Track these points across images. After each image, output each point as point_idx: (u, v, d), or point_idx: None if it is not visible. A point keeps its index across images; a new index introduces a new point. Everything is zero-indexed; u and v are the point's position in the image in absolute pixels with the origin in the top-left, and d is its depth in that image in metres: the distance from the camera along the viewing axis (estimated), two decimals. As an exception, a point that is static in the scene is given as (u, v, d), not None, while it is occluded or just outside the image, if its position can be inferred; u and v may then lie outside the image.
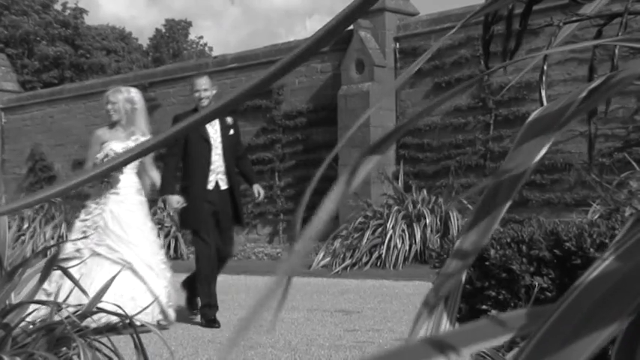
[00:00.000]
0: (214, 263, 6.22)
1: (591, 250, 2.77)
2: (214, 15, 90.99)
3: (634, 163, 9.44)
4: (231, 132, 6.45)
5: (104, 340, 2.61)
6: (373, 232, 10.39)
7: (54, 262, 2.60)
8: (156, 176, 6.50)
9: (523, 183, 0.56)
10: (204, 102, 6.39)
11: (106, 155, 6.19)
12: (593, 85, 0.56)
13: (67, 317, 2.55)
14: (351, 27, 13.05)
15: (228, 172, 6.37)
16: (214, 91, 6.62)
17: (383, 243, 10.14)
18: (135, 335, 2.54)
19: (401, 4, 13.00)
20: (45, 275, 2.64)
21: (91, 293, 5.36)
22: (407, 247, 10.07)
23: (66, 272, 2.63)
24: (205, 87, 6.51)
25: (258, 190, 6.67)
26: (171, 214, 6.19)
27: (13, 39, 36.52)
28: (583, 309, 0.46)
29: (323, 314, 6.55)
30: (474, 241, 0.55)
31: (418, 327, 0.53)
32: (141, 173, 6.41)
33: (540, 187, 10.78)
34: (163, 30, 46.04)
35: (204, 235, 6.17)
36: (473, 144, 11.75)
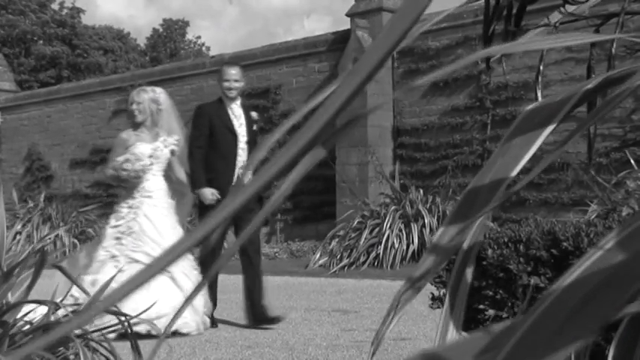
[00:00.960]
0: (222, 257, 6.06)
1: (588, 249, 2.76)
2: (212, 15, 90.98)
3: (633, 162, 9.46)
4: (254, 127, 6.19)
5: (102, 339, 2.61)
6: (371, 232, 10.39)
7: (44, 263, 2.59)
8: (183, 176, 6.20)
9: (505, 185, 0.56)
10: (233, 93, 6.11)
11: (127, 159, 5.92)
12: (590, 85, 0.56)
13: (65, 316, 2.55)
14: (349, 27, 13.06)
15: (255, 169, 6.16)
16: (243, 84, 6.34)
17: (380, 243, 10.14)
18: (131, 332, 2.54)
19: (398, 4, 13.00)
20: (36, 276, 2.63)
21: (133, 304, 5.25)
22: (404, 247, 10.08)
23: (63, 271, 2.63)
24: (236, 77, 6.19)
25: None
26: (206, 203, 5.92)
27: (10, 38, 36.49)
28: (554, 322, 0.46)
29: (320, 314, 6.56)
30: (452, 236, 0.55)
31: (387, 320, 0.53)
32: (168, 175, 6.10)
33: (537, 186, 10.80)
34: (161, 30, 46.02)
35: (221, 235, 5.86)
36: (470, 144, 11.76)
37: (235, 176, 5.95)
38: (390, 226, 10.22)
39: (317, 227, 12.65)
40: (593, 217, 8.07)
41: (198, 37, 65.94)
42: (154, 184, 5.93)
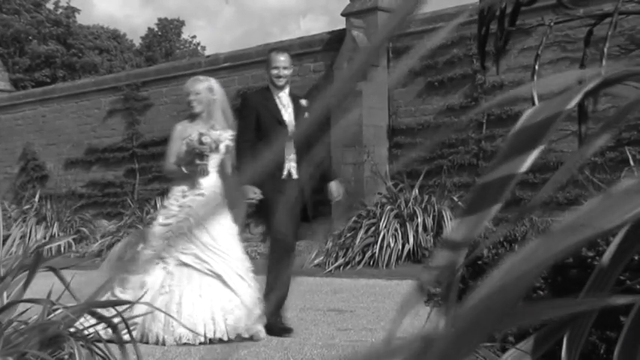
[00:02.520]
0: (291, 259, 5.60)
1: (584, 249, 2.78)
2: (209, 14, 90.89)
3: (630, 159, 9.48)
4: (305, 115, 5.71)
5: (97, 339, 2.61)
6: (366, 232, 10.40)
7: (38, 264, 2.58)
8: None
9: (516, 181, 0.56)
10: (282, 81, 5.76)
11: (201, 134, 5.52)
12: (588, 88, 0.57)
13: (64, 317, 2.54)
14: (344, 26, 13.06)
15: (300, 161, 5.68)
16: (292, 71, 5.98)
17: (376, 242, 10.14)
18: (127, 330, 2.54)
19: (394, 4, 13.01)
20: (30, 278, 2.62)
21: (183, 308, 5.13)
22: (400, 246, 10.08)
23: (57, 273, 2.62)
24: (285, 64, 5.81)
25: (337, 190, 5.93)
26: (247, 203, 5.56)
27: (5, 38, 36.41)
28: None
29: (316, 313, 6.56)
30: (464, 233, 0.55)
31: (400, 319, 0.53)
32: (222, 173, 5.75)
33: (533, 186, 10.81)
34: (156, 29, 45.96)
35: (280, 227, 5.45)
36: (466, 143, 11.77)
37: (285, 169, 5.60)
38: (385, 226, 10.23)
39: (312, 226, 12.64)
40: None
41: (194, 37, 65.90)
42: (207, 182, 5.61)
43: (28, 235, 13.90)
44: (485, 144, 11.54)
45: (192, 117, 5.78)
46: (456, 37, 11.88)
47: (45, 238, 13.89)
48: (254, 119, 5.62)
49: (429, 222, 10.29)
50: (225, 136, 5.66)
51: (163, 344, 5.09)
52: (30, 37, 36.85)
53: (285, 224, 5.46)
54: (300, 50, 13.64)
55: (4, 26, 36.13)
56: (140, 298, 5.13)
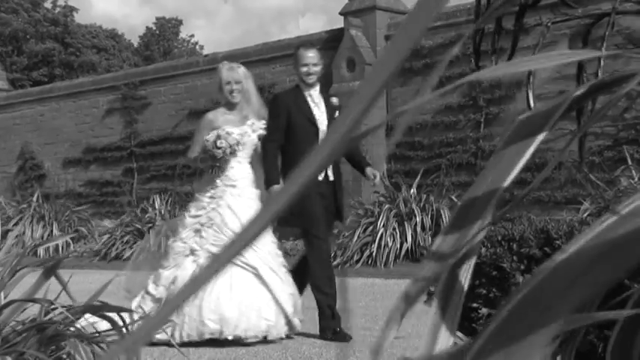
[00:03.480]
0: (331, 262, 5.45)
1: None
2: (207, 14, 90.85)
3: (628, 158, 9.49)
4: (337, 114, 5.37)
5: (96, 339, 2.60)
6: (364, 231, 10.40)
7: (57, 266, 2.57)
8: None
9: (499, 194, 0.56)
10: (312, 78, 5.53)
11: (218, 136, 5.30)
12: (579, 92, 0.57)
13: (64, 318, 2.54)
14: (342, 25, 13.05)
15: (335, 161, 5.32)
16: (322, 67, 5.76)
17: (374, 241, 10.14)
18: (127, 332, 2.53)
19: (392, 3, 13.01)
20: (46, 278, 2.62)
21: (214, 301, 4.95)
22: (398, 246, 10.08)
23: (56, 276, 2.62)
24: (315, 61, 5.58)
25: (372, 172, 5.73)
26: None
27: (2, 37, 36.38)
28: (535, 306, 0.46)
29: (314, 312, 6.55)
30: (451, 244, 0.54)
31: (387, 331, 0.52)
32: (254, 163, 5.50)
33: (530, 185, 10.82)
34: (154, 28, 45.93)
35: (317, 231, 5.24)
36: (464, 142, 11.77)
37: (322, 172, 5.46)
38: (383, 225, 10.23)
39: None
40: (586, 215, 8.10)
41: (192, 36, 65.86)
42: (239, 172, 5.38)
43: (26, 233, 13.89)
44: (483, 143, 11.54)
45: (229, 106, 5.49)
46: (454, 36, 11.88)
47: (43, 237, 13.89)
48: (285, 120, 5.38)
49: (428, 221, 10.29)
50: (258, 126, 5.45)
51: (195, 340, 4.97)
52: (28, 36, 36.82)
53: (323, 227, 5.28)
54: (299, 49, 13.61)
55: (1, 25, 36.10)
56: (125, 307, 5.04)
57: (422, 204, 10.56)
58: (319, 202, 5.20)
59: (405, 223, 10.26)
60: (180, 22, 47.02)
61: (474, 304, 2.94)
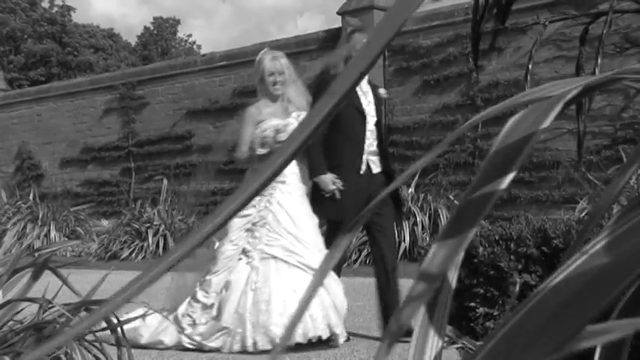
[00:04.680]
0: (344, 261, 5.03)
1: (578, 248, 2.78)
2: (205, 14, 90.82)
3: (624, 158, 9.49)
4: (382, 107, 5.31)
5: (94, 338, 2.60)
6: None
7: (45, 265, 2.57)
8: None
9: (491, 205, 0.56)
10: None
11: (277, 130, 4.99)
12: (574, 93, 0.56)
13: (60, 316, 2.54)
14: (340, 25, 13.05)
15: (382, 153, 5.21)
16: None
17: (372, 241, 10.14)
18: (122, 334, 2.53)
19: (389, 2, 13.02)
20: (36, 276, 2.62)
21: (273, 306, 4.63)
22: (396, 245, 10.08)
23: (55, 272, 2.62)
24: None
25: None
26: (326, 196, 4.95)
27: (0, 36, 36.34)
28: (534, 324, 0.46)
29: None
30: (440, 263, 0.54)
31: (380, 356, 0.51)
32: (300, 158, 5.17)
33: (528, 184, 10.83)
34: (152, 28, 45.90)
35: (342, 225, 4.94)
36: (462, 142, 11.78)
37: (363, 163, 5.06)
38: (381, 224, 10.22)
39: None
40: (583, 214, 8.11)
41: (189, 36, 65.81)
42: (289, 168, 4.91)
43: (24, 233, 13.88)
44: (481, 142, 11.55)
45: (271, 98, 5.15)
46: (451, 36, 11.89)
47: (39, 237, 13.87)
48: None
49: (426, 220, 10.30)
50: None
51: (255, 347, 4.61)
52: (25, 36, 36.79)
53: (349, 221, 4.98)
54: (296, 49, 13.63)
55: (-1, 25, 36.07)
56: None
57: (420, 203, 10.57)
58: (356, 196, 4.92)
59: (403, 222, 10.27)
60: (177, 22, 47.00)
61: (472, 304, 2.95)
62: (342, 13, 12.98)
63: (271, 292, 4.69)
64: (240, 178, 14.45)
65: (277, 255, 4.82)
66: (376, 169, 5.15)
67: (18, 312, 2.67)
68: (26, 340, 2.44)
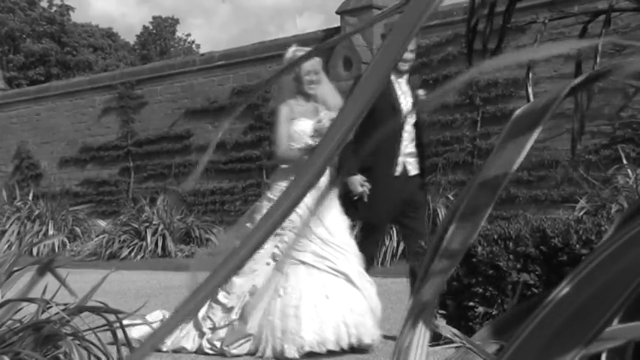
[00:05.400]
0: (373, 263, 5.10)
1: (577, 246, 2.78)
2: (205, 13, 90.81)
3: (623, 157, 9.51)
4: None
5: (93, 338, 2.60)
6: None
7: (51, 263, 2.57)
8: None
9: (507, 181, 0.56)
10: (406, 66, 5.10)
11: (316, 127, 4.76)
12: (576, 82, 0.56)
13: (56, 314, 2.53)
14: (339, 24, 13.05)
15: (420, 155, 5.06)
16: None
17: (371, 240, 10.14)
18: (123, 333, 2.53)
19: (388, 2, 13.02)
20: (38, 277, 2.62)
21: (302, 312, 4.43)
22: (395, 245, 10.09)
23: (53, 273, 2.62)
24: (412, 47, 5.16)
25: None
26: (355, 198, 4.82)
27: (-1, 36, 36.33)
28: (544, 336, 0.46)
29: (311, 311, 6.52)
30: (461, 241, 0.54)
31: (405, 336, 0.52)
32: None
33: (527, 183, 10.83)
34: (150, 27, 45.89)
35: (379, 234, 4.98)
36: (460, 141, 11.78)
37: (399, 164, 4.91)
38: (380, 224, 10.22)
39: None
40: (582, 214, 8.11)
41: (188, 35, 65.81)
42: None
43: (22, 233, 13.87)
44: (479, 142, 11.55)
45: (304, 97, 4.98)
46: (450, 35, 11.89)
47: (38, 236, 13.86)
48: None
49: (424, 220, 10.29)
50: (331, 118, 4.85)
51: (283, 355, 4.40)
52: (24, 36, 36.77)
53: (384, 229, 4.80)
54: (295, 48, 13.62)
55: (-3, 24, 36.05)
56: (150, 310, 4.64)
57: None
58: (391, 199, 4.83)
59: (402, 221, 10.26)
60: (176, 21, 46.98)
61: (471, 303, 2.95)
62: (341, 12, 12.98)
63: (301, 297, 4.51)
64: (239, 177, 14.44)
65: (307, 261, 4.63)
66: (413, 170, 5.01)
67: (17, 311, 2.67)
68: (25, 340, 2.44)
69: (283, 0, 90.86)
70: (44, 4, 38.72)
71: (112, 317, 2.60)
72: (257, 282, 4.64)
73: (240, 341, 4.54)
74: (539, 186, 10.80)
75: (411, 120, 4.97)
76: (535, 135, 0.55)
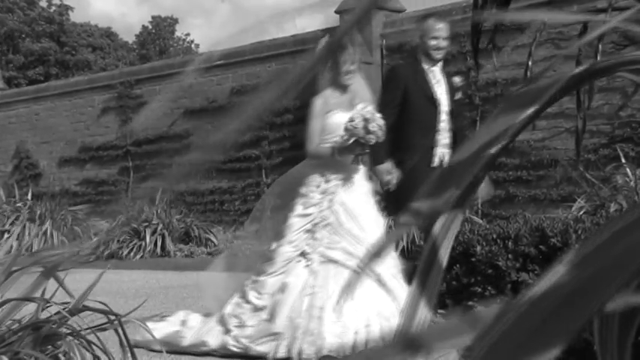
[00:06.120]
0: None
1: (576, 245, 2.78)
2: (204, 13, 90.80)
3: (622, 157, 9.50)
4: (457, 96, 4.97)
5: (93, 338, 2.60)
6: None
7: (57, 267, 2.56)
8: None
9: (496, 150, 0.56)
10: (440, 54, 4.97)
11: (366, 119, 4.50)
12: (575, 71, 0.56)
13: (56, 314, 2.53)
14: (338, 24, 13.04)
15: (453, 147, 4.91)
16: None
17: (370, 239, 10.13)
18: (122, 333, 2.53)
19: (387, 1, 13.02)
20: (43, 278, 2.61)
21: (326, 314, 4.22)
22: (394, 244, 10.09)
23: (54, 276, 2.61)
24: (445, 35, 5.05)
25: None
26: (383, 188, 4.68)
27: (-2, 36, 36.31)
28: (531, 324, 0.46)
29: (310, 311, 6.52)
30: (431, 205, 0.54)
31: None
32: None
33: (526, 183, 10.83)
34: (150, 27, 45.87)
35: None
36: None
37: (436, 156, 4.78)
38: (379, 223, 10.22)
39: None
40: (581, 213, 8.11)
41: (187, 35, 65.77)
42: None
43: (22, 233, 13.86)
44: (479, 141, 11.54)
45: (340, 88, 4.74)
46: (449, 34, 11.88)
47: (38, 236, 13.85)
48: (400, 94, 4.74)
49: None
50: (369, 111, 4.71)
51: (300, 356, 4.23)
52: (23, 35, 36.74)
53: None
54: (294, 48, 13.64)
55: (-4, 24, 36.02)
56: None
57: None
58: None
59: (401, 221, 10.25)
60: (175, 21, 46.97)
61: (470, 302, 2.95)
62: (339, 11, 12.98)
63: (327, 298, 4.32)
64: (238, 177, 14.44)
65: (338, 259, 4.43)
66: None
67: (18, 310, 2.67)
68: (24, 339, 2.44)
69: (283, 0, 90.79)
70: (43, 3, 38.73)
71: (111, 317, 2.60)
72: (287, 280, 4.48)
73: (265, 338, 4.35)
74: (538, 185, 10.80)
75: (445, 109, 4.82)
76: (529, 113, 0.55)
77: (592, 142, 10.14)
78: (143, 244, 12.31)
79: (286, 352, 4.26)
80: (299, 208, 4.63)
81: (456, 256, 2.86)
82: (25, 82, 32.93)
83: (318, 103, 4.72)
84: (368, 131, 4.44)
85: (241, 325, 4.46)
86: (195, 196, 14.89)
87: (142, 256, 12.10)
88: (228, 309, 4.58)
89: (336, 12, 13.07)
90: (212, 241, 13.00)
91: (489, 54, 11.61)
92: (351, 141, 4.50)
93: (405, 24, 12.64)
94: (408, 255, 10.11)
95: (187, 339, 4.52)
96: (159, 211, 12.91)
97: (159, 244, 12.40)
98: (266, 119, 14.06)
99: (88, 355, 2.50)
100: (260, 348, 4.32)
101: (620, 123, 10.12)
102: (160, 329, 4.58)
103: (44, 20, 37.27)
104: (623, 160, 9.51)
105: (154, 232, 12.51)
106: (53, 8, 38.55)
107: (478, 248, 2.95)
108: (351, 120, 4.52)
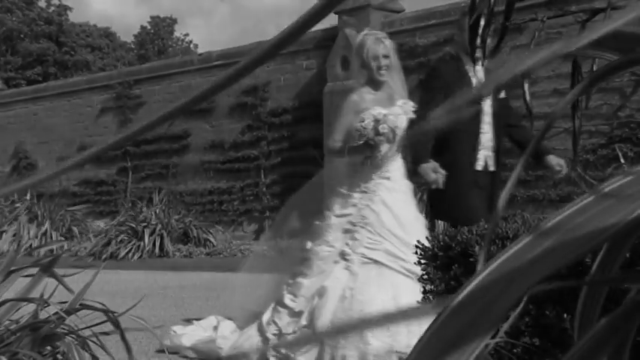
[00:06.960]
0: None
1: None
2: (204, 13, 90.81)
3: (621, 157, 9.51)
4: (502, 94, 4.74)
5: (93, 338, 2.60)
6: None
7: (54, 264, 2.56)
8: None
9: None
10: (480, 53, 4.69)
11: (377, 121, 4.35)
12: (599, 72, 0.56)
13: (54, 314, 2.53)
14: (336, 24, 13.05)
15: (499, 150, 4.72)
16: None
17: (369, 240, 10.13)
18: (121, 333, 2.53)
19: (386, 1, 13.02)
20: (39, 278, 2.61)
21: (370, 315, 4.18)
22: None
23: (55, 276, 2.61)
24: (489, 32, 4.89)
25: (558, 162, 4.73)
26: (432, 187, 4.51)
27: (-4, 36, 36.31)
28: (461, 321, 0.47)
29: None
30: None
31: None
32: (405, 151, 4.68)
33: (525, 183, 10.83)
34: (149, 27, 45.86)
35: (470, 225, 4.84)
36: (458, 141, 11.78)
37: (480, 159, 4.64)
38: (378, 224, 10.21)
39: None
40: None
41: (186, 35, 65.79)
42: (392, 163, 4.49)
43: (21, 233, 13.85)
44: (477, 141, 11.56)
45: (374, 85, 4.53)
46: (448, 34, 11.89)
47: (37, 236, 13.85)
48: (442, 93, 4.56)
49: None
50: (409, 107, 4.54)
51: None
52: (22, 35, 36.73)
53: (477, 221, 4.65)
54: (293, 48, 13.63)
55: (-5, 24, 36.01)
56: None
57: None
58: (476, 194, 4.55)
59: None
60: (174, 21, 46.96)
61: (469, 302, 2.95)
62: (338, 12, 12.97)
63: (369, 301, 4.09)
64: (237, 177, 14.43)
65: (380, 260, 4.21)
66: (493, 166, 4.70)
67: (16, 310, 2.66)
68: (23, 340, 2.44)
69: (282, 0, 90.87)
70: (42, 4, 38.71)
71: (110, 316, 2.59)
72: (326, 283, 4.23)
73: (307, 347, 4.07)
74: (537, 185, 10.81)
75: (489, 109, 4.66)
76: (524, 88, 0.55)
77: (591, 143, 10.14)
78: (142, 244, 12.31)
79: None
80: (336, 207, 4.44)
81: (455, 256, 2.86)
82: (23, 82, 32.91)
83: (353, 99, 4.51)
84: (377, 132, 4.34)
85: (280, 334, 4.24)
86: (194, 197, 14.88)
87: (140, 257, 12.10)
88: (266, 316, 4.35)
89: (335, 12, 13.06)
90: (211, 242, 13.00)
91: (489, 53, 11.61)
92: (361, 142, 4.39)
93: (404, 24, 12.64)
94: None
95: (224, 349, 4.31)
96: (157, 212, 12.91)
97: (157, 244, 12.40)
98: (265, 120, 14.07)
99: (87, 356, 2.49)
100: (302, 358, 4.06)
101: (618, 123, 10.12)
102: (189, 333, 4.44)
103: (43, 20, 37.26)
104: (622, 161, 9.52)
105: (152, 233, 12.51)
106: (52, 8, 38.55)
107: (477, 248, 2.94)
108: (362, 120, 4.39)
